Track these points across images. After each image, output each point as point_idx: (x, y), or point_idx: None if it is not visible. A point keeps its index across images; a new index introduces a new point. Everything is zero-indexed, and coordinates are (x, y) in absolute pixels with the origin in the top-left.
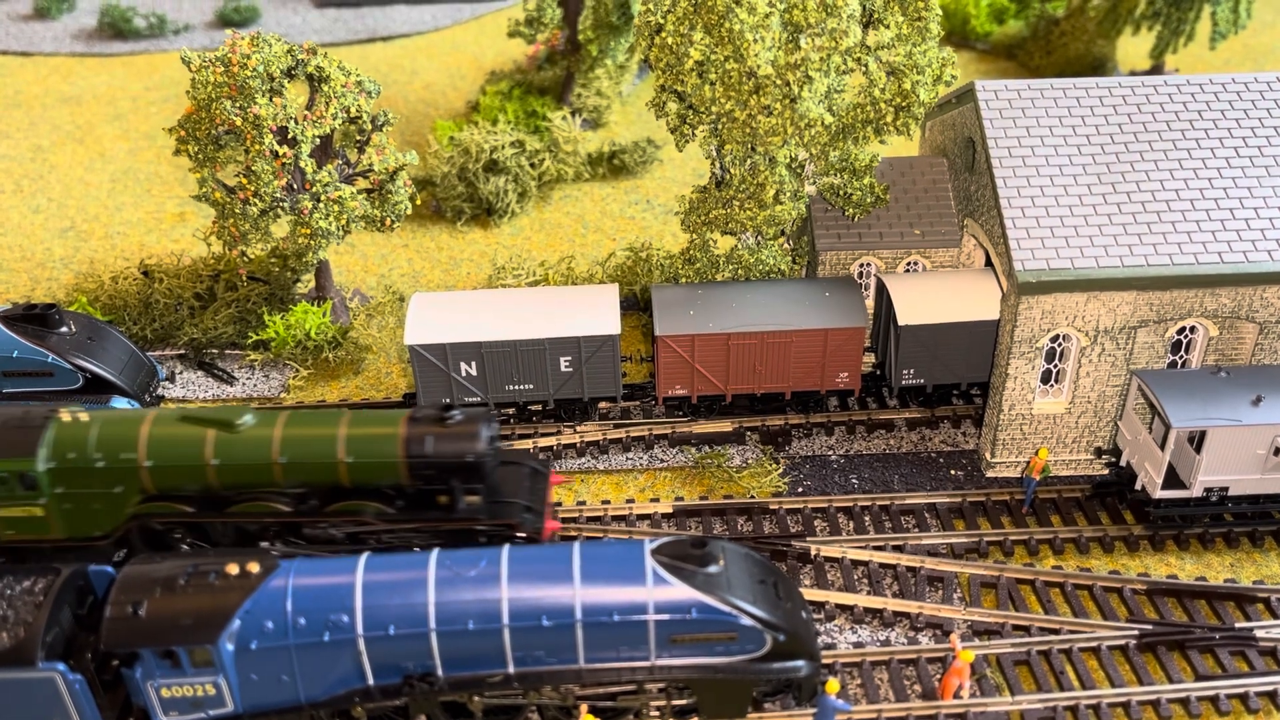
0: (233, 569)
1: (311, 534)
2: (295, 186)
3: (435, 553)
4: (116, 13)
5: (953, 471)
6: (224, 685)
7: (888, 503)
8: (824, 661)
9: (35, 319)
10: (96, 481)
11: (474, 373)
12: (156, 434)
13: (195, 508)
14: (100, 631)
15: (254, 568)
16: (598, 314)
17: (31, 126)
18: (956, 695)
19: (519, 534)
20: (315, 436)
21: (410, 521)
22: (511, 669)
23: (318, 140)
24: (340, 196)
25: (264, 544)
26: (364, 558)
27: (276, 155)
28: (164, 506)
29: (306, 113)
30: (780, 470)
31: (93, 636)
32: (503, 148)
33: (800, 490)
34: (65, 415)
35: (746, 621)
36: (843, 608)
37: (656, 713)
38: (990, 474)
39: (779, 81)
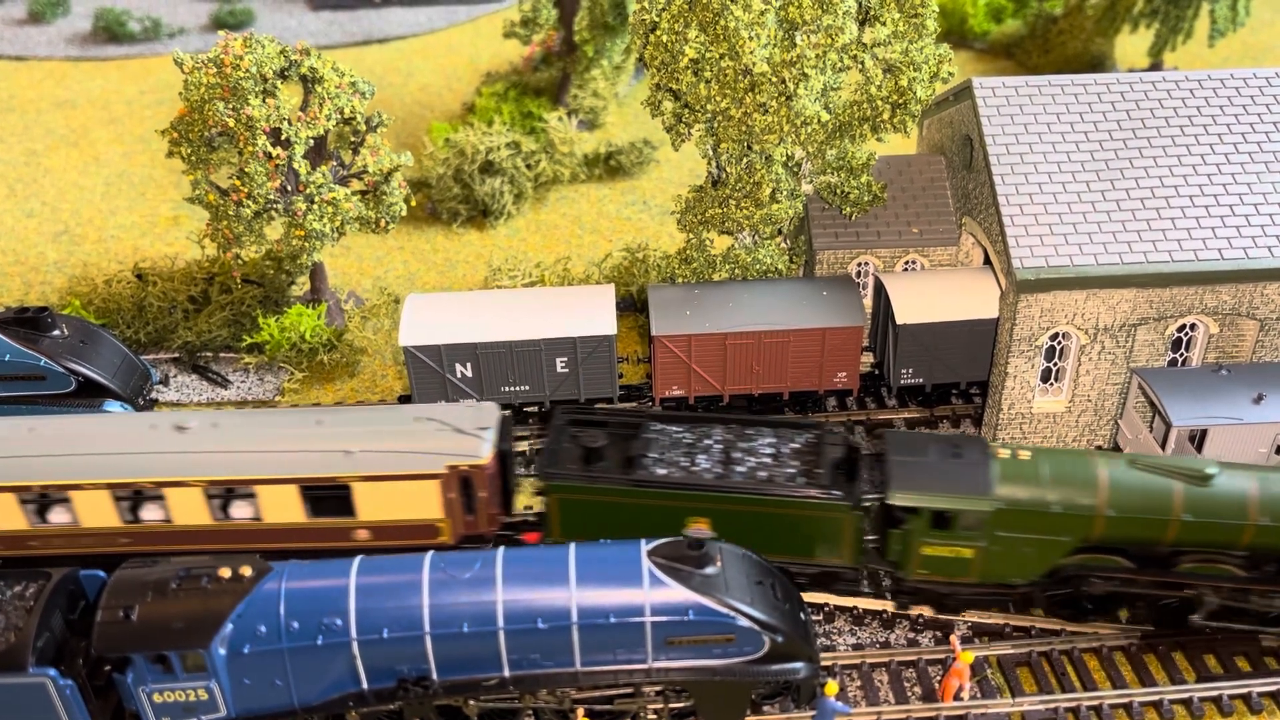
0: (225, 572)
1: (1259, 605)
2: (289, 188)
3: (429, 555)
4: (111, 16)
5: None
6: (216, 690)
7: None
8: (823, 663)
9: (27, 323)
10: (1043, 526)
11: (469, 374)
12: (1119, 480)
13: (1135, 563)
14: (92, 636)
15: (246, 571)
16: (594, 314)
17: (25, 130)
18: (957, 697)
19: None
20: None
21: None
22: (507, 672)
23: (311, 142)
24: (334, 198)
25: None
26: (357, 560)
27: (270, 157)
28: (1101, 559)
29: (300, 114)
30: None
31: (84, 641)
32: (498, 149)
33: None
34: (1003, 452)
35: (744, 623)
36: (842, 609)
37: (654, 716)
38: None
39: (775, 79)
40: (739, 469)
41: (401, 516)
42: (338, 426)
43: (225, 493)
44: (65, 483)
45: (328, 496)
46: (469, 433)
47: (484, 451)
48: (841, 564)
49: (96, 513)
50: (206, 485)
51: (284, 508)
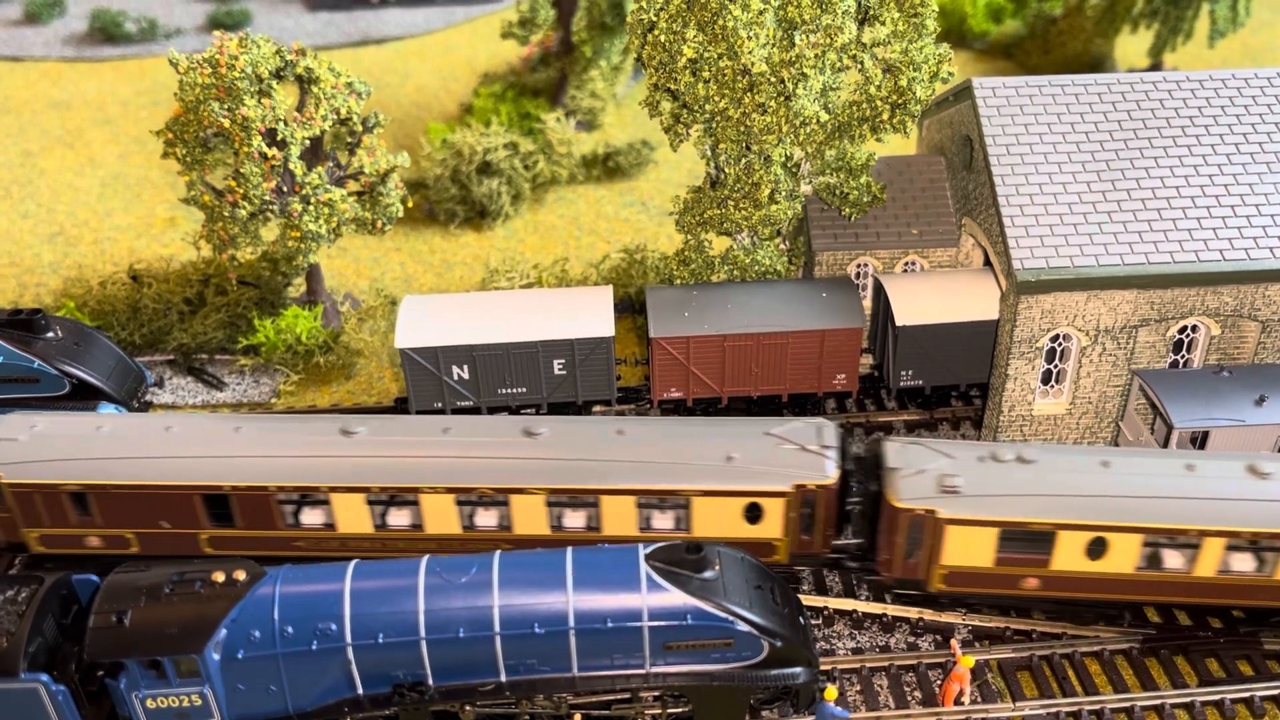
0: (219, 577)
1: None
2: (285, 189)
3: (425, 559)
4: (107, 17)
5: None
6: (210, 696)
7: None
8: (823, 668)
9: (20, 324)
10: None
11: (466, 376)
12: None
13: None
14: (84, 641)
15: (240, 575)
16: (592, 316)
17: (21, 132)
18: (958, 701)
19: None
20: None
21: None
22: (504, 677)
23: (307, 142)
24: (330, 199)
25: None
26: (352, 565)
27: (265, 157)
28: None
29: (296, 114)
30: None
31: (77, 647)
32: (496, 150)
33: None
34: None
35: (743, 627)
36: (842, 613)
37: None
38: None
39: (773, 79)
40: None
41: None
42: None
43: None
44: (1052, 521)
45: None
46: None
47: None
48: None
49: (1071, 558)
50: None
51: None
